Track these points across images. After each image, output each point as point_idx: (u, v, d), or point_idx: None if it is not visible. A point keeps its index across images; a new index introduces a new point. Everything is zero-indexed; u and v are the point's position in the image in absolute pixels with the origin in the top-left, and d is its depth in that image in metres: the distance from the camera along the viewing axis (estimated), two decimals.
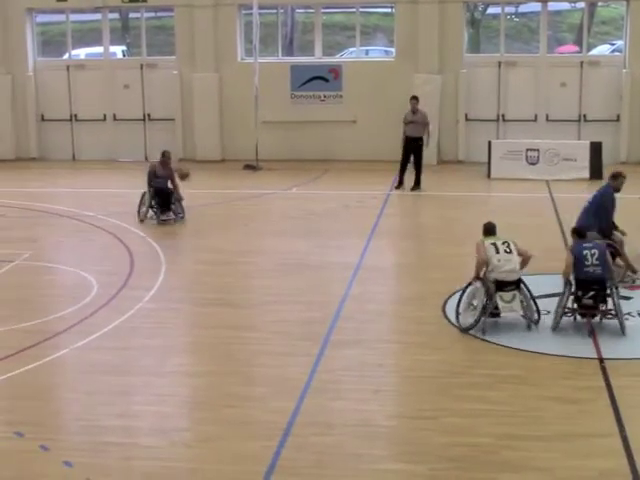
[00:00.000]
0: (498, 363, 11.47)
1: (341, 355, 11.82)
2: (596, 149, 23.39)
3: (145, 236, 17.91)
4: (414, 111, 22.51)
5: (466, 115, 25.92)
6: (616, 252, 14.31)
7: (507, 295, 12.50)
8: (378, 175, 24.22)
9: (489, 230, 13.05)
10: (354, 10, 27.59)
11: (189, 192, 19.85)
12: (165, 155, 19.66)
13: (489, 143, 24.12)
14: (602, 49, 28.39)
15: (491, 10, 28.69)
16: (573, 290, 12.54)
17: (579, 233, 13.17)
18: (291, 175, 24.46)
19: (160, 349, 12.09)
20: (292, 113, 26.63)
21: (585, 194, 20.61)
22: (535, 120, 25.81)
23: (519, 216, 18.82)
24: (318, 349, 11.87)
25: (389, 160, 25.14)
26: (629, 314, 13.07)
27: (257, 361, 11.82)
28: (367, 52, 29.01)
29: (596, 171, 23.05)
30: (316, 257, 16.37)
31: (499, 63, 26.01)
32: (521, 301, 12.56)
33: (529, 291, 12.71)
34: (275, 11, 28.16)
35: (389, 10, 27.72)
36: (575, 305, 12.56)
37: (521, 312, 12.63)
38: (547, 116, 25.70)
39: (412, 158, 22.52)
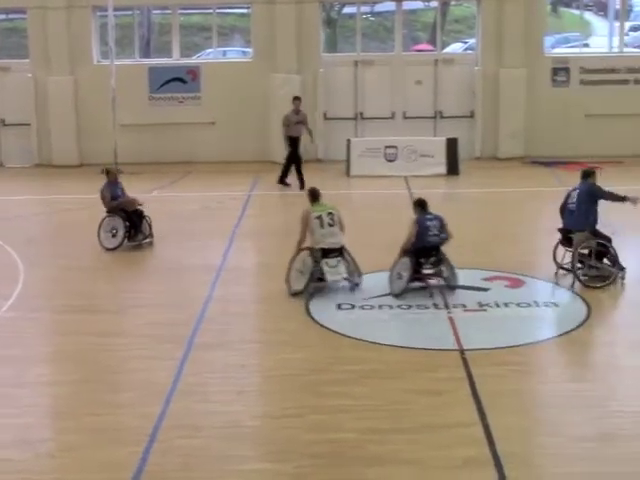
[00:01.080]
0: (360, 358, 11.59)
1: (206, 357, 11.77)
2: (452, 145, 23.89)
3: (2, 244, 17.47)
4: (297, 112, 22.70)
5: (325, 114, 26.14)
6: (606, 250, 14.47)
7: (332, 261, 13.97)
8: (239, 176, 24.22)
9: (314, 195, 14.37)
10: (211, 11, 27.51)
11: (48, 198, 19.44)
12: (110, 173, 18.02)
13: (348, 141, 24.39)
14: (455, 47, 29.02)
15: (347, 10, 28.99)
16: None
17: (422, 205, 14.21)
18: (152, 178, 24.22)
19: (19, 359, 11.81)
20: (151, 115, 26.39)
21: (442, 189, 21.20)
22: (392, 118, 26.21)
23: (377, 212, 19.10)
24: (183, 352, 11.80)
25: (249, 161, 25.20)
26: (487, 305, 13.42)
27: (122, 367, 11.67)
28: (225, 53, 28.95)
29: (452, 166, 23.57)
30: (178, 259, 16.26)
31: (356, 62, 26.33)
32: (346, 267, 14.07)
33: (350, 256, 14.20)
34: (131, 12, 27.84)
35: (246, 11, 27.73)
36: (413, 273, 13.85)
37: (345, 275, 14.08)
38: (404, 113, 26.13)
39: (287, 155, 22.67)
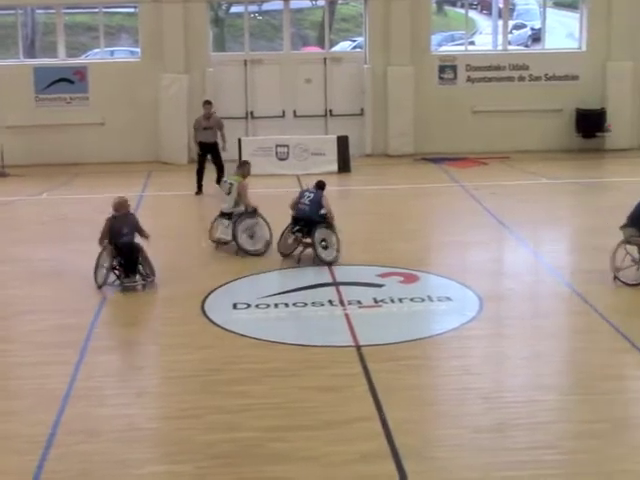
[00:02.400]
0: (259, 357, 11.60)
1: (101, 361, 11.62)
2: (343, 143, 24.03)
3: None
4: (208, 116, 22.00)
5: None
6: None
7: (225, 222, 16.28)
8: (130, 177, 23.94)
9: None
10: (97, 10, 27.13)
11: None
12: (121, 205, 15.01)
13: (239, 140, 24.33)
14: (344, 46, 29.21)
15: (235, 9, 28.91)
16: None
17: (319, 185, 16.00)
18: (40, 180, 23.78)
19: None
20: (37, 117, 25.89)
21: (334, 187, 21.31)
22: (283, 116, 26.25)
23: (268, 210, 19.05)
24: (77, 357, 11.62)
25: (140, 161, 24.95)
26: (382, 301, 13.55)
27: (14, 374, 11.45)
28: (112, 53, 28.58)
29: (344, 164, 23.73)
30: (70, 263, 15.99)
31: (245, 61, 26.29)
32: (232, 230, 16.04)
33: (265, 221, 16.21)
34: (14, 12, 27.23)
35: (133, 10, 27.43)
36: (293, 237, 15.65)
37: (229, 238, 16.02)
38: (295, 112, 26.21)
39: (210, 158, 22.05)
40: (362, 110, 25.89)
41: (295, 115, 26.25)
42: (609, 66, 25.22)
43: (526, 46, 29.16)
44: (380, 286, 14.24)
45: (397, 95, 25.34)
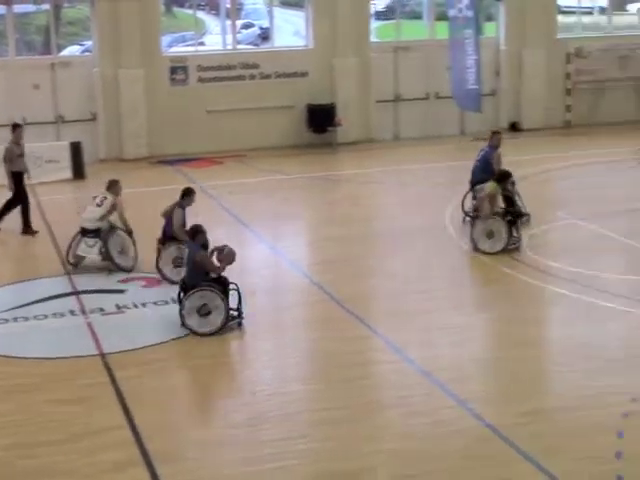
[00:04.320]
0: (1, 374, 11.26)
1: None
2: (76, 149, 23.53)
3: None
4: (18, 142, 18.41)
5: None
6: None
7: (90, 241, 15.19)
8: None
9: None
10: None
11: None
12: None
13: None
14: (73, 50, 28.60)
15: None
16: None
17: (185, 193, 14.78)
18: None
19: None
20: None
21: (70, 194, 20.87)
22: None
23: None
24: None
25: None
26: (125, 307, 13.45)
27: None
28: None
29: (78, 170, 23.23)
30: None
31: None
32: (100, 248, 15.08)
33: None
34: None
35: None
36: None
37: (100, 257, 15.13)
38: (24, 119, 25.40)
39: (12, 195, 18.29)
40: (94, 115, 25.45)
41: (25, 122, 25.46)
42: (336, 62, 26.00)
43: (255, 45, 29.59)
44: (122, 292, 14.13)
45: (129, 98, 25.09)
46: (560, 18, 28.51)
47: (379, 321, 12.88)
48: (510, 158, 23.16)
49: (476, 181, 17.19)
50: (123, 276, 14.86)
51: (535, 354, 12.00)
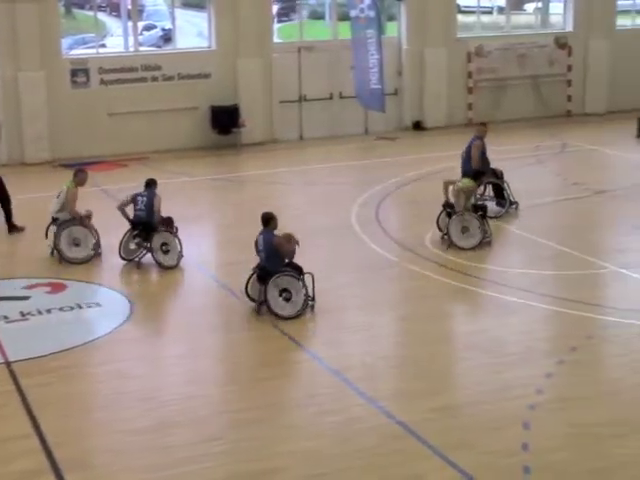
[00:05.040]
0: None
1: None
2: None
3: None
4: None
5: None
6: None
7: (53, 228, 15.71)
8: None
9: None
10: None
11: None
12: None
13: None
14: None
15: None
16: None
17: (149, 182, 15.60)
18: None
19: None
20: None
21: None
22: None
23: None
24: None
25: None
26: (30, 314, 13.23)
27: None
28: None
29: None
30: None
31: None
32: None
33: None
34: None
35: None
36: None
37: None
38: None
39: None
40: None
41: None
42: (239, 63, 25.92)
43: (158, 47, 29.34)
44: (26, 298, 13.88)
45: (30, 101, 24.64)
46: (460, 18, 28.93)
47: (288, 321, 12.89)
48: (414, 156, 23.55)
49: (464, 171, 17.67)
50: (28, 282, 14.61)
51: (442, 350, 12.16)
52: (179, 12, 27.76)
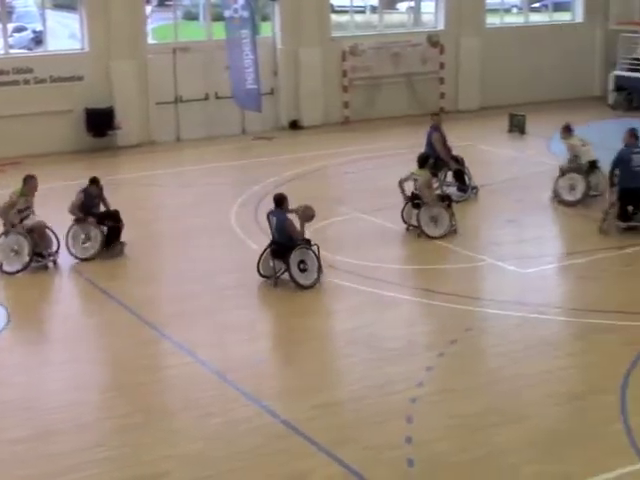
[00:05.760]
0: None
1: None
2: None
3: None
4: None
5: None
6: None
7: None
8: None
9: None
10: None
11: None
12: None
13: None
14: None
15: None
16: None
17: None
18: None
19: None
20: None
21: None
22: None
23: None
24: None
25: None
26: None
27: None
28: None
29: None
30: None
31: None
32: None
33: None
34: None
35: None
36: None
37: None
38: None
39: None
40: None
41: None
42: (113, 65, 25.59)
43: (29, 49, 28.76)
44: None
45: None
46: (334, 17, 29.14)
47: (168, 324, 12.83)
48: (291, 156, 23.64)
49: (422, 160, 17.74)
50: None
51: (324, 347, 12.27)
52: (50, 13, 27.25)
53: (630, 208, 16.37)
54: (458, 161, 19.11)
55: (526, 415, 10.09)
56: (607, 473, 8.86)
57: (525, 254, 15.60)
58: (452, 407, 10.29)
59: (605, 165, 17.34)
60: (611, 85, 30.10)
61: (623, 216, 16.37)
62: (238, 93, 25.43)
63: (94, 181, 16.18)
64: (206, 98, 26.79)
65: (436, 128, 19.29)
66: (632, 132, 16.76)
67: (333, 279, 14.49)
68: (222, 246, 16.42)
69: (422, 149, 18.46)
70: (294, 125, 27.56)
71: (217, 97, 26.74)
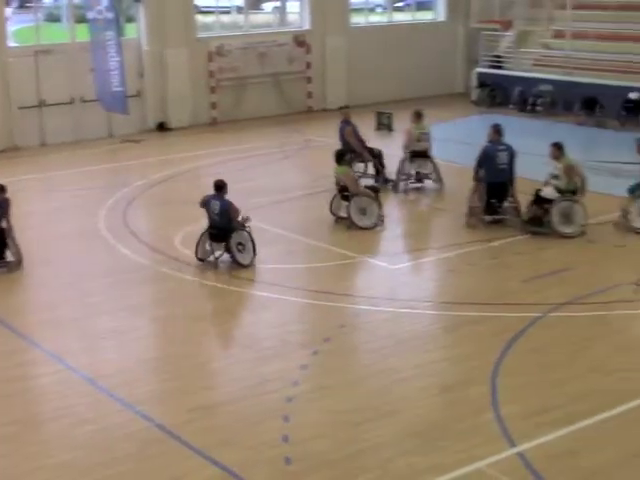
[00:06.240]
0: None
1: None
2: None
3: None
4: None
5: None
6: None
7: None
8: None
9: None
10: None
11: None
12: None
13: None
14: None
15: None
16: None
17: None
18: None
19: None
20: None
21: None
22: None
23: None
24: None
25: None
26: None
27: None
28: None
29: None
30: None
31: None
32: None
33: None
34: None
35: None
36: None
37: None
38: None
39: None
40: None
41: None
42: None
43: None
44: None
45: None
46: (200, 18, 28.99)
47: (36, 332, 12.56)
48: (159, 158, 23.43)
49: (339, 155, 18.01)
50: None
51: (199, 349, 12.19)
52: None
53: (494, 202, 16.75)
54: (374, 154, 19.39)
55: (399, 409, 10.23)
56: (478, 462, 9.04)
57: (395, 250, 15.82)
58: (327, 404, 10.35)
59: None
60: (474, 82, 30.79)
61: (489, 210, 16.75)
62: (104, 96, 25.07)
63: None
64: (71, 102, 26.30)
65: (347, 122, 19.45)
66: (496, 128, 17.13)
67: (205, 281, 14.42)
68: (90, 251, 16.15)
69: (288, 148, 18.48)
70: (162, 127, 27.34)
71: (83, 100, 26.27)
